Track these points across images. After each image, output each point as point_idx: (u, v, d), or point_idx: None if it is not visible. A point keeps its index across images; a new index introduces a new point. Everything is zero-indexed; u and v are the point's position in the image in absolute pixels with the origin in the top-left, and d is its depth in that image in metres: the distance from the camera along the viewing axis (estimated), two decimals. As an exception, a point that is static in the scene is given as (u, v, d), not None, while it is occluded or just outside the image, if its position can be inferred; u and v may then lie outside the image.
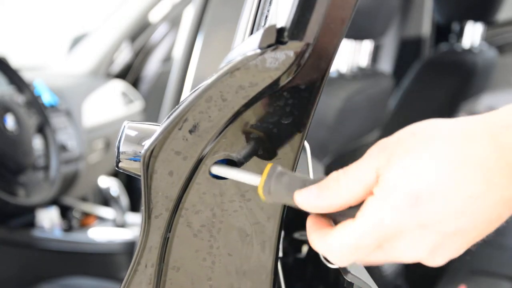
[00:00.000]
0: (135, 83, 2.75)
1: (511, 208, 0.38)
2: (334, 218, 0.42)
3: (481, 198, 0.36)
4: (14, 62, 1.83)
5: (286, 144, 0.49)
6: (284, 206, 0.53)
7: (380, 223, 0.38)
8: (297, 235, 0.74)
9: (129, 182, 2.49)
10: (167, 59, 2.82)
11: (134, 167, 0.53)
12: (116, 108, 2.39)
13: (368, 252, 0.39)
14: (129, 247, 1.87)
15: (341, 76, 1.60)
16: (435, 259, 0.39)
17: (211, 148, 0.49)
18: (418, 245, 0.38)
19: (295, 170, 0.51)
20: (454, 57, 2.15)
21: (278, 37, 0.45)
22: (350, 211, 0.40)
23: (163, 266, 0.53)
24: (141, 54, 2.74)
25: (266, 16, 0.54)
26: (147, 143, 0.49)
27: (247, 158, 0.48)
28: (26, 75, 1.90)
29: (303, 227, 0.73)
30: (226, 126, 0.48)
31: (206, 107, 0.47)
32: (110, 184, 2.08)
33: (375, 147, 0.40)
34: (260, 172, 0.44)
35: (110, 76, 2.56)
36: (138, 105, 2.54)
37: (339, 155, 1.53)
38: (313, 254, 0.71)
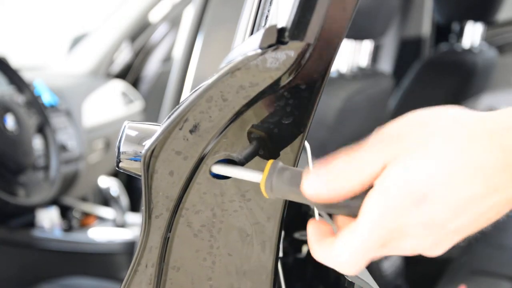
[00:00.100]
0: (135, 83, 2.75)
1: (510, 205, 0.39)
2: (337, 210, 0.41)
3: (482, 198, 0.37)
4: (14, 62, 1.83)
5: (287, 144, 0.49)
6: (284, 206, 0.53)
7: (384, 221, 0.38)
8: (297, 235, 0.74)
9: (129, 182, 2.49)
10: (167, 59, 2.82)
11: (134, 167, 0.53)
12: (116, 108, 2.39)
13: (374, 252, 0.39)
14: (129, 247, 1.87)
15: (341, 76, 1.60)
16: (434, 252, 0.40)
17: (212, 148, 0.49)
18: (420, 242, 0.39)
19: (295, 170, 0.51)
20: (454, 57, 2.15)
21: (279, 37, 0.45)
22: (353, 202, 0.40)
23: (163, 266, 0.53)
24: (141, 54, 2.74)
25: (267, 16, 0.54)
26: (147, 143, 0.49)
27: (247, 158, 0.48)
28: (26, 75, 1.90)
29: (303, 227, 0.73)
30: (227, 126, 0.48)
31: (206, 107, 0.47)
32: (110, 184, 2.08)
33: (382, 136, 0.40)
34: (261, 171, 0.44)
35: (110, 76, 2.56)
36: (138, 105, 2.54)
37: (339, 155, 1.53)
38: (313, 254, 0.71)
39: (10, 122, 1.67)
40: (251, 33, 0.63)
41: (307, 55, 0.45)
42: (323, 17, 0.44)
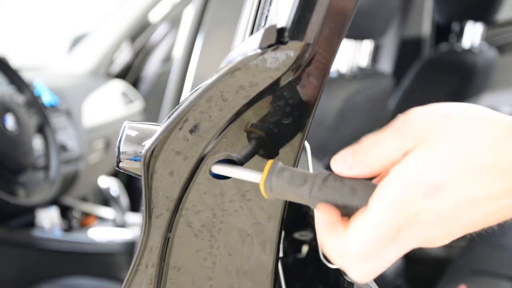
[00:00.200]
0: (135, 83, 2.75)
1: None
2: (346, 209, 0.41)
3: (498, 198, 0.37)
4: (14, 62, 1.83)
5: (287, 144, 0.49)
6: (285, 206, 0.53)
7: (397, 208, 0.38)
8: (297, 235, 0.74)
9: (129, 182, 2.49)
10: (167, 59, 2.82)
11: (134, 167, 0.53)
12: (116, 108, 2.39)
13: (385, 243, 0.39)
14: (129, 247, 1.87)
15: (341, 76, 1.60)
16: (437, 243, 0.40)
17: (212, 148, 0.49)
18: (430, 232, 0.39)
19: (295, 170, 0.51)
20: (454, 57, 2.15)
21: (279, 37, 0.45)
22: (353, 200, 0.40)
23: (163, 266, 0.53)
24: (141, 54, 2.74)
25: (266, 16, 0.54)
26: (147, 143, 0.49)
27: (247, 158, 0.49)
28: (26, 75, 1.90)
29: (303, 227, 0.73)
30: (227, 126, 0.48)
31: (206, 107, 0.47)
32: (110, 184, 2.08)
33: (410, 122, 0.39)
34: (261, 171, 0.44)
35: (110, 76, 2.56)
36: (138, 105, 2.54)
37: (339, 155, 1.53)
38: (313, 254, 0.71)
39: (10, 122, 1.67)
40: (251, 33, 0.63)
41: (307, 55, 0.45)
42: (322, 17, 0.44)
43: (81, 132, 2.10)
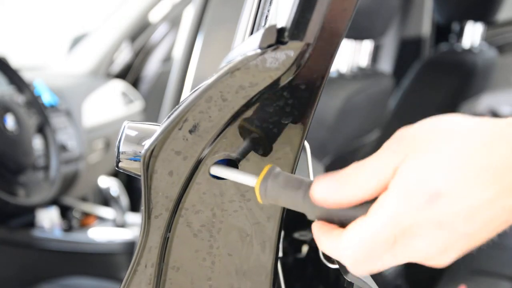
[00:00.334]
0: (135, 83, 2.75)
1: None
2: (342, 219, 0.41)
3: (495, 201, 0.37)
4: (14, 62, 1.83)
5: (286, 144, 0.49)
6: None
7: (396, 217, 0.37)
8: (297, 235, 0.74)
9: (129, 182, 2.49)
10: (167, 59, 2.82)
11: (134, 167, 0.53)
12: (116, 108, 2.39)
13: (382, 250, 0.39)
14: (129, 247, 1.87)
15: (341, 76, 1.60)
16: (442, 259, 0.40)
17: (211, 148, 0.49)
18: (431, 243, 0.38)
19: (295, 170, 0.51)
20: (454, 57, 2.15)
21: (279, 37, 0.45)
22: (362, 208, 0.39)
23: (163, 266, 0.53)
24: (141, 54, 2.74)
25: (266, 16, 0.54)
26: (147, 143, 0.49)
27: (243, 154, 0.48)
28: (26, 75, 1.90)
29: (303, 227, 0.73)
30: (226, 126, 0.48)
31: (206, 107, 0.47)
32: (110, 184, 2.08)
33: (393, 140, 0.39)
34: (260, 173, 0.44)
35: (110, 76, 2.56)
36: (138, 105, 2.54)
37: (339, 155, 1.53)
38: (313, 254, 0.71)
39: (10, 122, 1.67)
40: (251, 33, 0.63)
41: (307, 55, 0.45)
42: (322, 17, 0.44)
43: (81, 132, 2.10)
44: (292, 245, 0.76)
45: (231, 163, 0.50)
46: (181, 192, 0.50)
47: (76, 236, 1.90)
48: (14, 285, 1.77)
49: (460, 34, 2.27)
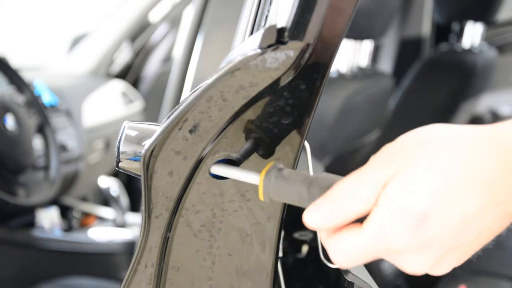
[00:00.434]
0: (135, 83, 2.75)
1: (511, 219, 0.38)
2: None
3: (485, 215, 0.37)
4: (14, 62, 1.83)
5: (286, 144, 0.49)
6: (284, 206, 0.53)
7: (384, 236, 0.38)
8: (297, 235, 0.74)
9: (129, 182, 2.49)
10: (167, 59, 2.82)
11: (134, 167, 0.53)
12: (116, 108, 2.39)
13: (371, 258, 0.39)
14: (129, 247, 1.87)
15: (341, 76, 1.60)
16: (437, 270, 0.40)
17: (211, 148, 0.49)
18: (420, 261, 0.39)
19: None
20: (454, 57, 2.15)
21: (279, 37, 0.45)
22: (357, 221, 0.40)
23: (163, 266, 0.53)
24: (141, 54, 2.74)
25: (266, 16, 0.54)
26: (147, 143, 0.49)
27: (246, 156, 0.48)
28: (26, 75, 1.90)
29: (303, 227, 0.73)
30: (226, 126, 0.48)
31: (206, 107, 0.47)
32: (110, 184, 2.08)
33: (380, 156, 0.39)
34: (260, 172, 0.44)
35: (110, 76, 2.56)
36: (138, 105, 2.54)
37: (339, 155, 1.53)
38: (313, 254, 0.71)
39: (10, 122, 1.67)
40: (251, 33, 0.63)
41: (307, 55, 0.45)
42: (322, 17, 0.44)
43: (81, 132, 2.10)
44: (292, 245, 0.76)
45: (231, 163, 0.50)
46: (181, 192, 0.50)
47: (76, 236, 1.90)
48: (14, 285, 1.77)
49: (460, 34, 2.26)
